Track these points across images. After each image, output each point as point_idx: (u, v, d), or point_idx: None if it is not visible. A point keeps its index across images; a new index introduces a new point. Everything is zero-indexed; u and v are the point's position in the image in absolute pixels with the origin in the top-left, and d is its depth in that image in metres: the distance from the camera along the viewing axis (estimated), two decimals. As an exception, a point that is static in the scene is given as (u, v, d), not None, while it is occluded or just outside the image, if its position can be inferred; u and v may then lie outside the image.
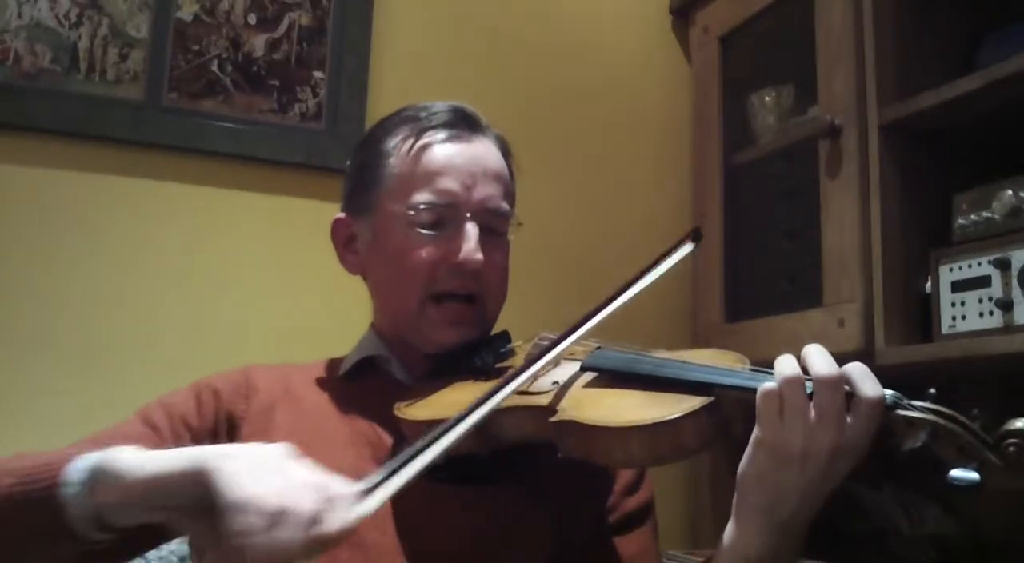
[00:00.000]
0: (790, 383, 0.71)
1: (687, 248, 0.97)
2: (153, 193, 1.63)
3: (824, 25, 1.56)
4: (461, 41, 1.90)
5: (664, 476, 1.37)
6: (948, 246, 1.33)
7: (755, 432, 0.73)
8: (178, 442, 0.94)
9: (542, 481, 0.96)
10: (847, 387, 0.71)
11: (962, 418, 0.68)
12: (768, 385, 0.72)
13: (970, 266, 1.28)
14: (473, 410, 0.77)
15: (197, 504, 0.65)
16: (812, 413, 0.71)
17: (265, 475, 0.64)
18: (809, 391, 0.72)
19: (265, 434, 0.96)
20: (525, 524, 0.94)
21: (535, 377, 0.90)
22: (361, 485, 0.66)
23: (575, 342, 0.89)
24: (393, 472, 0.68)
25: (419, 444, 0.71)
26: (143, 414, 0.97)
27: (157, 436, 0.93)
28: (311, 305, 1.68)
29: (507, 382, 0.82)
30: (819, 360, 0.72)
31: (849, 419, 0.71)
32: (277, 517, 0.61)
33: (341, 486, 0.65)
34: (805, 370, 0.73)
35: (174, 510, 0.68)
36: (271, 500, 0.61)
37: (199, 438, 0.95)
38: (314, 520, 0.61)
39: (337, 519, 0.62)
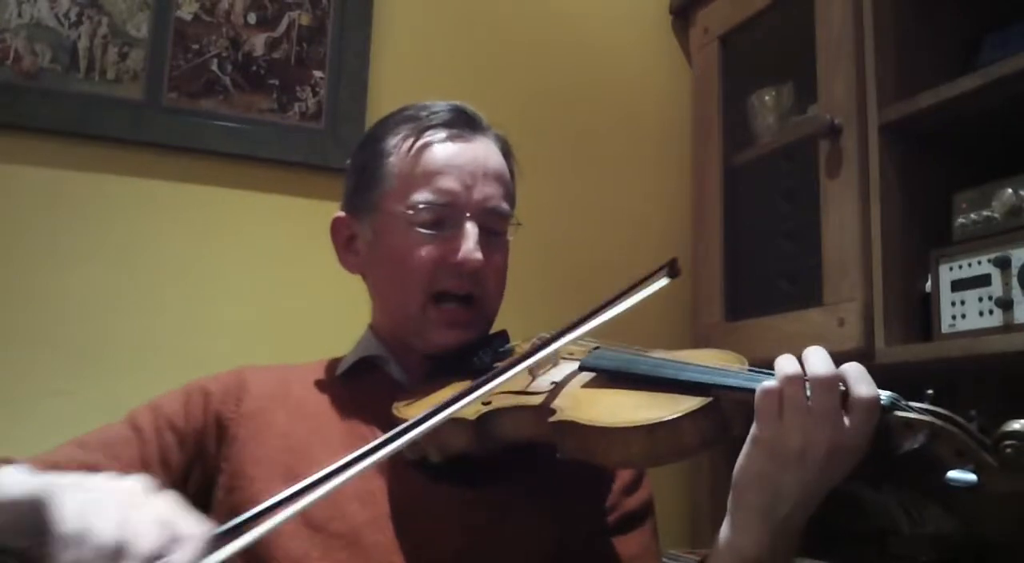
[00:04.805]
0: (790, 381, 0.72)
1: (662, 282, 0.91)
2: (153, 193, 1.63)
3: (824, 25, 1.55)
4: (461, 41, 1.90)
5: (664, 476, 1.37)
6: (948, 245, 1.33)
7: (753, 430, 0.73)
8: (161, 442, 0.95)
9: (541, 481, 0.96)
10: (843, 387, 0.71)
11: (960, 420, 0.68)
12: (768, 383, 0.72)
13: (970, 265, 1.28)
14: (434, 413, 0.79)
15: (37, 534, 0.62)
16: (810, 412, 0.71)
17: (109, 509, 0.60)
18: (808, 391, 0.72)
19: (259, 436, 0.96)
20: (524, 525, 0.94)
21: (533, 377, 0.90)
22: (216, 529, 0.64)
23: (572, 342, 0.89)
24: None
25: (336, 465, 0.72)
26: (132, 416, 0.98)
27: (139, 438, 0.95)
28: (311, 304, 1.67)
29: (471, 390, 0.81)
30: (816, 359, 0.73)
31: (846, 419, 0.71)
32: (113, 552, 0.58)
33: (191, 525, 0.61)
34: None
35: (22, 538, 0.65)
36: (108, 534, 0.58)
37: (185, 439, 0.96)
38: (154, 557, 0.58)
39: (180, 558, 0.58)
